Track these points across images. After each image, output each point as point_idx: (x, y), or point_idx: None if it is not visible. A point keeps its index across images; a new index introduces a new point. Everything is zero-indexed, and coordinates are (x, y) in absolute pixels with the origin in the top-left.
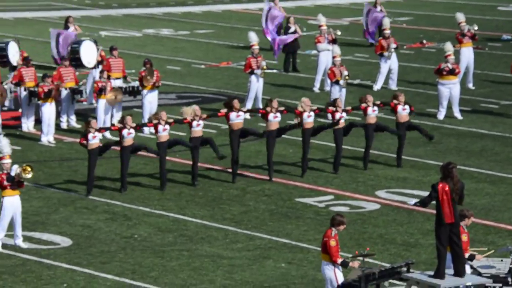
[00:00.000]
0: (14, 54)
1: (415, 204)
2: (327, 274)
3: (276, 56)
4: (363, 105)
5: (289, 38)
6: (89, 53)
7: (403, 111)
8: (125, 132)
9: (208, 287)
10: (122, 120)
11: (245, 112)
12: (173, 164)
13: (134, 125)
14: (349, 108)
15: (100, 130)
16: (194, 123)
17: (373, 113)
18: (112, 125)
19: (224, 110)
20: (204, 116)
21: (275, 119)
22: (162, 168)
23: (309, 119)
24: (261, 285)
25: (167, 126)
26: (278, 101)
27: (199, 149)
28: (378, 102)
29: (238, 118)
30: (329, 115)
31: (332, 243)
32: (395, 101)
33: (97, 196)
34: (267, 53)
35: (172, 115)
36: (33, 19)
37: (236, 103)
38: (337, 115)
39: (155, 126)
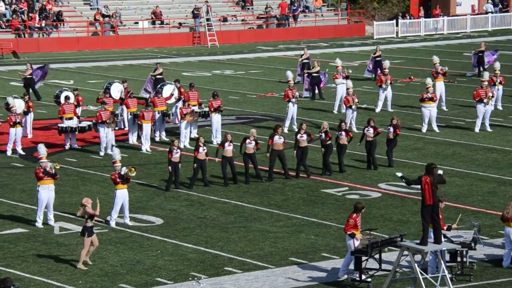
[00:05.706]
0: (118, 91)
1: (401, 178)
2: (348, 242)
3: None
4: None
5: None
6: (166, 91)
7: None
8: (201, 149)
9: (259, 253)
10: (197, 141)
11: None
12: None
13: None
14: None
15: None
16: (247, 141)
17: (372, 133)
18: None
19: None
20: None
21: (301, 139)
22: (226, 171)
23: (328, 142)
24: (296, 251)
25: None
26: (307, 121)
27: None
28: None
29: (279, 140)
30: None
31: (351, 221)
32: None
33: (180, 188)
34: (299, 86)
35: (232, 131)
36: (136, 65)
37: (280, 130)
38: (342, 135)
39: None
